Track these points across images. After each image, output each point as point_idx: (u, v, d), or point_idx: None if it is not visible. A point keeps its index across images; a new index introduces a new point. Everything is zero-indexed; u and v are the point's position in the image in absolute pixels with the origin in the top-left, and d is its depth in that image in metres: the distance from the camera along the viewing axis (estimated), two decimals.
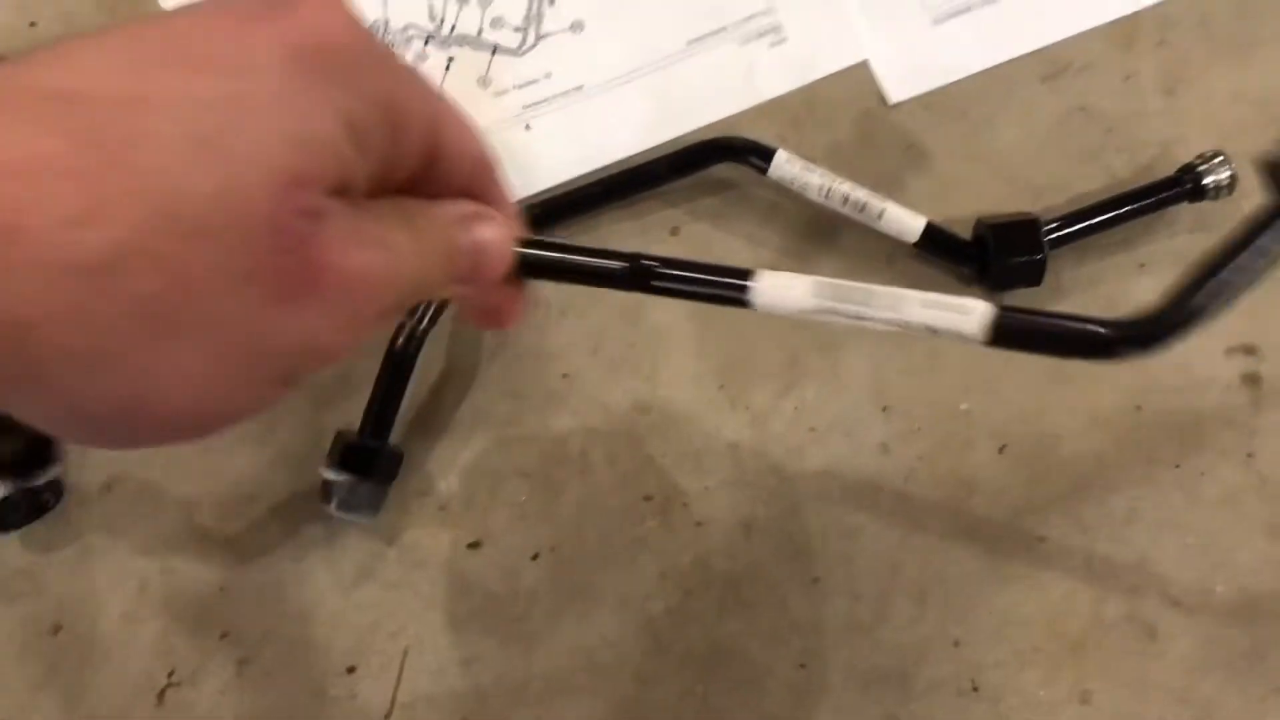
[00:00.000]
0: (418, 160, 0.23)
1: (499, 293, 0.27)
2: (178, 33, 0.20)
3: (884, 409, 0.43)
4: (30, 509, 0.40)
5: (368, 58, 0.22)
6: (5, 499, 0.39)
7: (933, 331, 0.25)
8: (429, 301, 0.42)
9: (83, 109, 0.18)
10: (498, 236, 0.25)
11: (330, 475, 0.40)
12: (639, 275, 0.27)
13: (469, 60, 0.46)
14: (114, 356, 0.18)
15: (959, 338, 0.25)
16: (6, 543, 0.42)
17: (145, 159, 0.18)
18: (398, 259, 0.22)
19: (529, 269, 0.26)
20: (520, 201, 0.44)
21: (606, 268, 0.27)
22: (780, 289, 0.26)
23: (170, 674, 0.41)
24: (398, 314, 0.27)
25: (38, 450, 0.40)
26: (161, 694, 0.41)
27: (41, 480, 0.40)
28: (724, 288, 0.26)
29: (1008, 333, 0.24)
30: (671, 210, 0.45)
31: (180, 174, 0.18)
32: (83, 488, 0.42)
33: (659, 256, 0.26)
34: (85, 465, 0.42)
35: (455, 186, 0.25)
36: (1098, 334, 0.24)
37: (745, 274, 0.26)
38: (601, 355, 0.43)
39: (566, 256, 0.27)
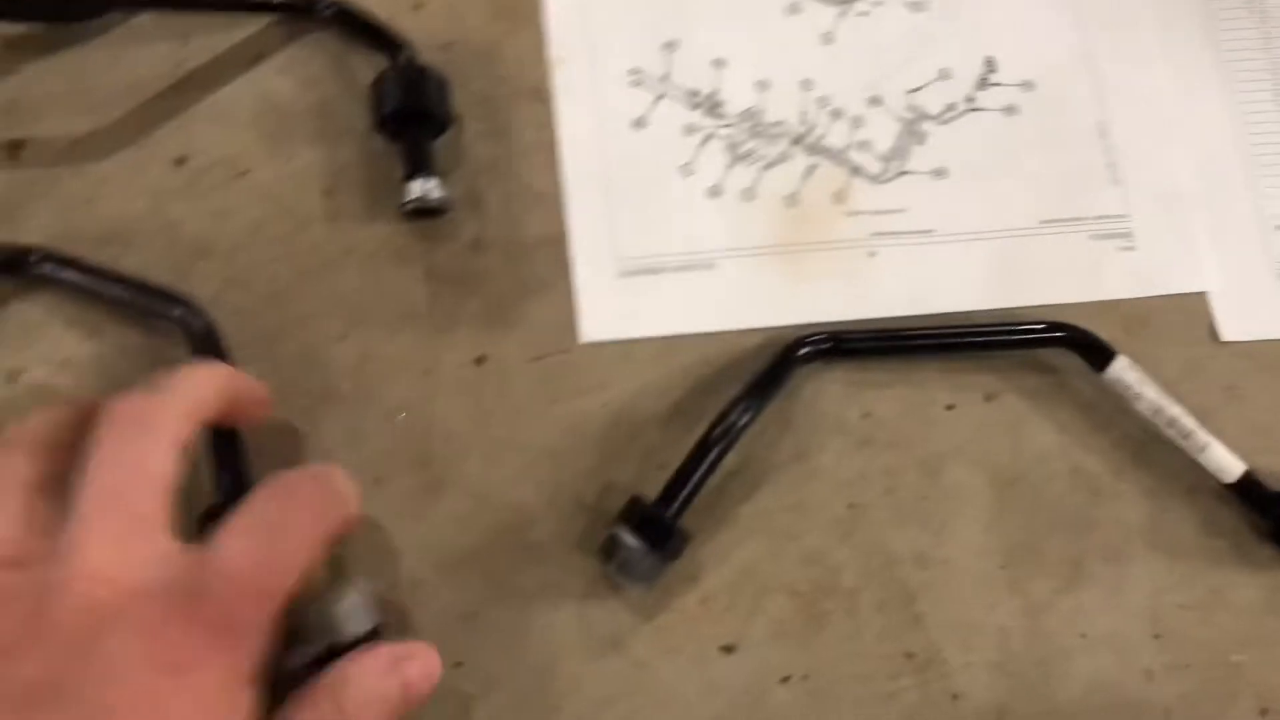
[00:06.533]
0: None
1: None
2: None
3: (1156, 636, 0.42)
4: None
5: None
6: None
7: None
8: (753, 397, 0.41)
9: None
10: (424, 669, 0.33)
11: (624, 536, 0.39)
12: None
13: (829, 173, 0.47)
14: None
15: None
16: None
17: None
18: None
19: None
20: (847, 324, 0.44)
21: None
22: None
23: None
24: None
25: None
26: None
27: None
28: None
29: None
30: (989, 376, 0.45)
31: None
32: None
33: None
34: None
35: None
36: None
37: None
38: (893, 497, 0.43)
39: None
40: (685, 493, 0.41)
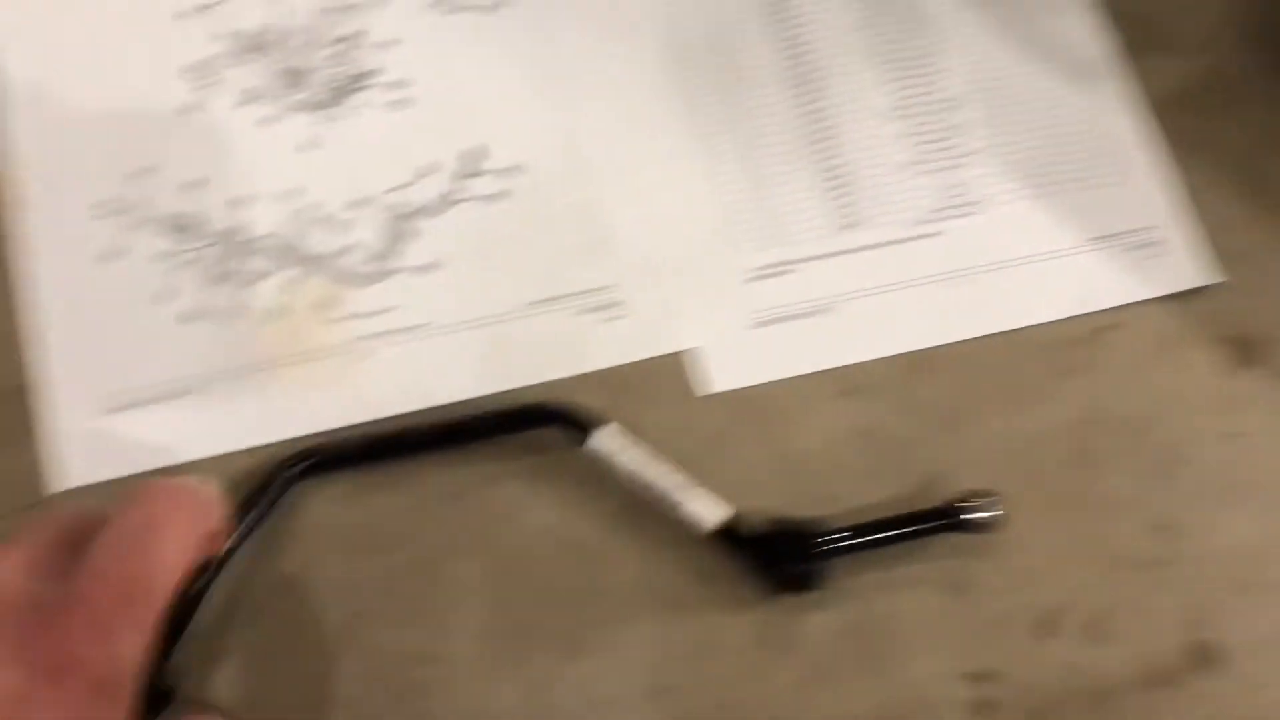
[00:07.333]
0: None
1: None
2: None
3: (656, 691, 0.45)
4: None
5: None
6: None
7: None
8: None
9: None
10: None
11: None
12: None
13: (314, 283, 0.47)
14: None
15: None
16: None
17: None
18: None
19: None
20: (342, 431, 0.45)
21: None
22: None
23: None
24: None
25: None
26: None
27: None
28: None
29: None
30: (489, 464, 0.46)
31: None
32: None
33: None
34: None
35: None
36: None
37: None
38: (394, 599, 0.44)
39: None
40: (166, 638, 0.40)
